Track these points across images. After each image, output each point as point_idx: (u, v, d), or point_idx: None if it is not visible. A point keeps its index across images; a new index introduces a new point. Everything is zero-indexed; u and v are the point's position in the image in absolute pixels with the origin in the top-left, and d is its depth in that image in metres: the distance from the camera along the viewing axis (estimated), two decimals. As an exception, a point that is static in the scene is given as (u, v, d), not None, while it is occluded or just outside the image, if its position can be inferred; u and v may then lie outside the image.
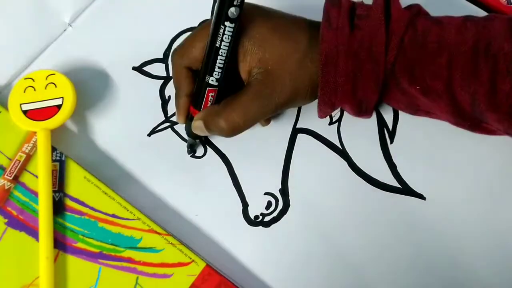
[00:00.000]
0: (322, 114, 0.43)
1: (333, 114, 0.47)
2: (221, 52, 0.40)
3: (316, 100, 0.42)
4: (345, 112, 0.47)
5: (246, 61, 0.41)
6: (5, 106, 0.47)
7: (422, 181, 0.45)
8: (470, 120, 0.41)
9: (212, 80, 0.41)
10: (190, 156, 0.47)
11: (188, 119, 0.44)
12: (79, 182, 0.45)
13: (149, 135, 0.47)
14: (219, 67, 0.40)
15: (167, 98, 0.48)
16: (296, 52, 0.40)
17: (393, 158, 0.46)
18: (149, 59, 0.49)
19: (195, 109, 0.43)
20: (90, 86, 0.49)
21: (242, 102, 0.41)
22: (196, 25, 0.50)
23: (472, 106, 0.39)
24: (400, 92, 0.41)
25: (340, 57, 0.39)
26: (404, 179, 0.45)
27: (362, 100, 0.41)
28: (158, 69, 0.49)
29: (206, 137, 0.47)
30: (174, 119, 0.48)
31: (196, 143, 0.46)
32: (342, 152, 0.46)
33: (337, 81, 0.40)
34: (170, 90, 0.48)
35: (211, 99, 0.42)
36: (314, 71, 0.40)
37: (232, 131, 0.41)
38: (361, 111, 0.43)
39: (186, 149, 0.47)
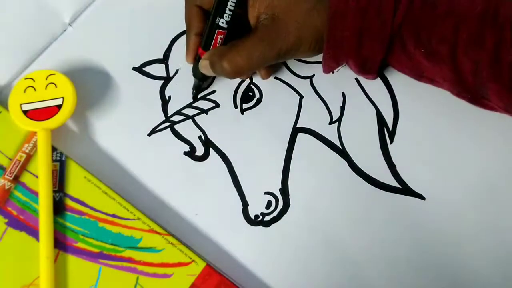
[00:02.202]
0: (327, 69, 0.44)
1: (336, 70, 0.46)
2: None
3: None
4: (345, 112, 0.47)
5: (255, 6, 0.42)
6: (5, 106, 0.47)
7: (421, 181, 0.45)
8: (471, 93, 0.41)
9: (222, 22, 0.42)
10: (189, 156, 0.47)
11: (196, 60, 0.45)
12: (79, 182, 0.45)
13: (149, 135, 0.48)
14: (229, 9, 0.42)
15: (167, 98, 0.48)
16: (304, 2, 0.41)
17: (392, 158, 0.46)
18: (149, 59, 0.50)
19: (204, 50, 0.44)
20: (90, 86, 0.49)
21: (246, 45, 0.42)
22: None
23: (474, 74, 0.39)
24: (404, 55, 0.41)
25: (349, 12, 0.40)
26: (404, 179, 0.45)
27: (366, 57, 0.42)
28: (158, 69, 0.49)
29: (206, 136, 0.47)
30: (174, 118, 0.48)
31: (201, 85, 0.47)
32: (342, 152, 0.46)
33: (343, 35, 0.41)
34: (170, 90, 0.48)
35: (219, 41, 0.43)
36: (320, 23, 0.41)
37: (235, 73, 0.42)
38: (365, 69, 0.43)
39: (192, 91, 0.48)
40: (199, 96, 0.48)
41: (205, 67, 0.44)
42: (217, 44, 0.43)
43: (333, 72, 0.46)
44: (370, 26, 0.40)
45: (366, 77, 0.45)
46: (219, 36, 0.43)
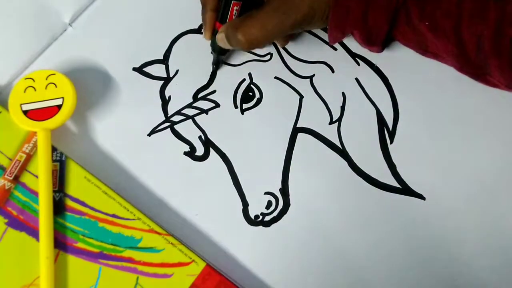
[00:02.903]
0: (332, 40, 0.44)
1: (344, 40, 0.46)
2: None
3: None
4: (345, 112, 0.47)
5: None
6: (6, 106, 0.47)
7: (421, 181, 0.45)
8: (475, 68, 0.41)
9: None
10: (189, 156, 0.47)
11: (213, 35, 0.46)
12: (79, 182, 0.45)
13: (149, 135, 0.48)
14: None
15: (167, 98, 0.48)
16: None
17: (392, 158, 0.46)
18: (150, 60, 0.50)
19: (221, 23, 0.45)
20: (90, 86, 0.49)
21: (260, 15, 0.42)
22: (196, 27, 0.50)
23: (477, 49, 0.39)
24: (409, 28, 0.42)
25: None
26: (404, 179, 0.45)
27: (372, 28, 0.42)
28: (158, 70, 0.49)
29: (206, 136, 0.47)
30: (174, 118, 0.48)
31: (220, 60, 0.48)
32: (342, 152, 0.46)
33: (349, 6, 0.41)
34: (170, 90, 0.48)
35: (235, 13, 0.44)
36: None
37: (249, 45, 0.43)
38: (370, 41, 0.43)
39: (212, 66, 0.48)
40: (199, 96, 0.48)
41: (221, 40, 0.44)
42: (233, 16, 0.44)
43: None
44: None
45: (371, 49, 0.45)
46: (235, 7, 0.43)
